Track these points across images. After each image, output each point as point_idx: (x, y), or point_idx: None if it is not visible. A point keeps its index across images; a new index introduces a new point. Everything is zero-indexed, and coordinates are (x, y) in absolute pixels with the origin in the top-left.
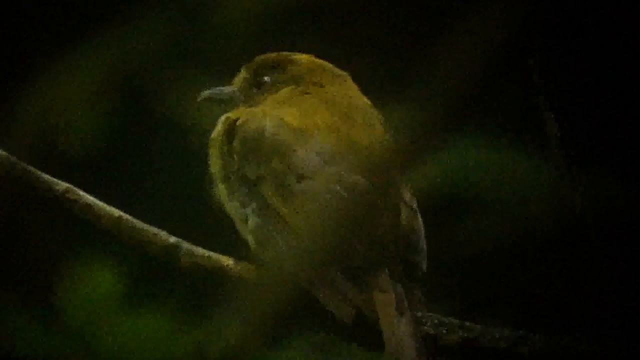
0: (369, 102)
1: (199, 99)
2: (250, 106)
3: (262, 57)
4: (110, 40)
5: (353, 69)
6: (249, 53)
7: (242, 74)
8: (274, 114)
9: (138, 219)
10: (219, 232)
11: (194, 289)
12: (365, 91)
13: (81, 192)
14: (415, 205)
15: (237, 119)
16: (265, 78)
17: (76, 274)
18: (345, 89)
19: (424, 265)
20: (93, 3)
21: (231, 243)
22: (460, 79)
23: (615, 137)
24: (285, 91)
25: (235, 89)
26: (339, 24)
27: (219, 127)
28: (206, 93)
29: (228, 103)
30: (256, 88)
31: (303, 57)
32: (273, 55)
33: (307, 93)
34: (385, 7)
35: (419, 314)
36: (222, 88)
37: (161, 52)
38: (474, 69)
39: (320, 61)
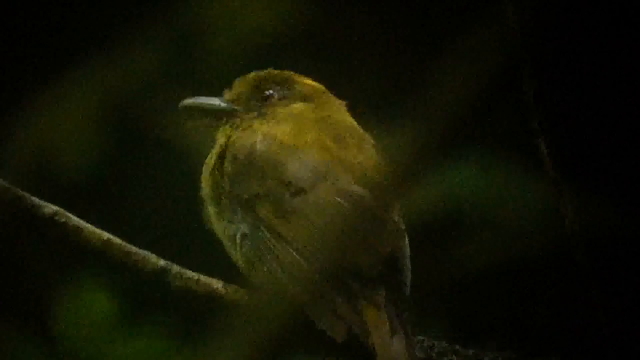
0: (360, 128)
1: (180, 106)
2: (254, 117)
3: (262, 72)
4: (104, 66)
5: (347, 93)
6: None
7: (239, 87)
8: (265, 131)
9: (131, 241)
10: (211, 254)
11: (188, 310)
12: (359, 114)
13: (70, 215)
14: (402, 226)
15: (228, 141)
16: (270, 92)
17: (69, 296)
18: (340, 114)
19: (408, 286)
20: (87, 29)
21: (223, 265)
22: (455, 102)
23: (605, 159)
24: (298, 106)
25: (228, 101)
26: (333, 47)
27: (212, 152)
28: (188, 101)
29: (213, 114)
30: (260, 101)
31: (305, 78)
32: (275, 71)
33: (318, 111)
34: (380, 31)
35: (409, 333)
36: (207, 98)
37: (154, 77)
38: (468, 92)
39: (320, 85)
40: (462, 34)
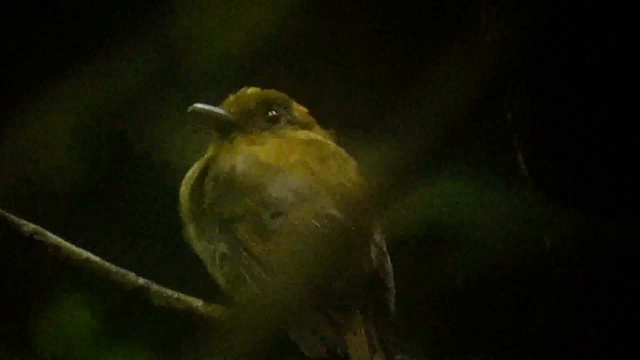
0: (345, 153)
1: (189, 110)
2: (250, 134)
3: (264, 91)
4: (92, 78)
5: (333, 107)
6: (230, 90)
7: (242, 103)
8: (247, 152)
9: (115, 256)
10: (192, 272)
11: (170, 325)
12: (345, 130)
13: (49, 234)
14: (384, 248)
15: (210, 159)
16: (274, 112)
17: (51, 311)
18: (325, 138)
19: (393, 305)
20: (74, 41)
21: (204, 284)
22: (440, 119)
23: (588, 175)
24: (303, 133)
25: (233, 114)
26: (320, 62)
27: (193, 168)
28: (198, 106)
29: (217, 123)
30: (264, 120)
31: (299, 105)
32: (275, 92)
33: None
34: (366, 47)
35: (392, 353)
36: (214, 107)
37: (142, 90)
38: (453, 109)
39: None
40: (444, 50)
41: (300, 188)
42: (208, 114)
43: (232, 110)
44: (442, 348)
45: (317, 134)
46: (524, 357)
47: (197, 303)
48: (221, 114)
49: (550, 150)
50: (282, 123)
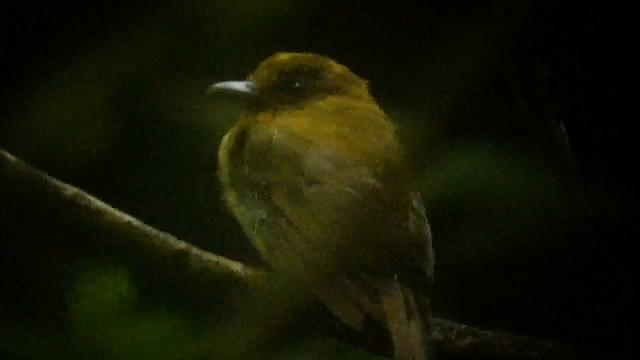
0: (382, 112)
1: (207, 92)
2: (277, 110)
3: (290, 60)
4: (112, 51)
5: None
6: (249, 62)
7: (266, 75)
8: (282, 124)
9: (153, 223)
10: (229, 237)
11: (204, 294)
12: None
13: (90, 197)
14: (423, 213)
15: (247, 127)
16: (297, 84)
17: (84, 282)
18: (363, 101)
19: (431, 272)
20: (94, 14)
21: (241, 248)
22: (465, 85)
23: (623, 143)
24: (330, 100)
25: (252, 86)
26: (340, 32)
27: (230, 134)
28: (216, 87)
29: (239, 100)
30: (291, 93)
31: (333, 64)
32: (303, 59)
33: (343, 101)
34: (387, 12)
35: (428, 319)
36: (233, 83)
37: (162, 61)
38: (478, 75)
39: (344, 68)
40: (474, 13)
41: (336, 157)
42: (227, 93)
43: (254, 86)
44: (471, 319)
45: (352, 99)
46: (555, 326)
47: (236, 267)
48: (240, 92)
49: (584, 119)
50: (308, 93)
